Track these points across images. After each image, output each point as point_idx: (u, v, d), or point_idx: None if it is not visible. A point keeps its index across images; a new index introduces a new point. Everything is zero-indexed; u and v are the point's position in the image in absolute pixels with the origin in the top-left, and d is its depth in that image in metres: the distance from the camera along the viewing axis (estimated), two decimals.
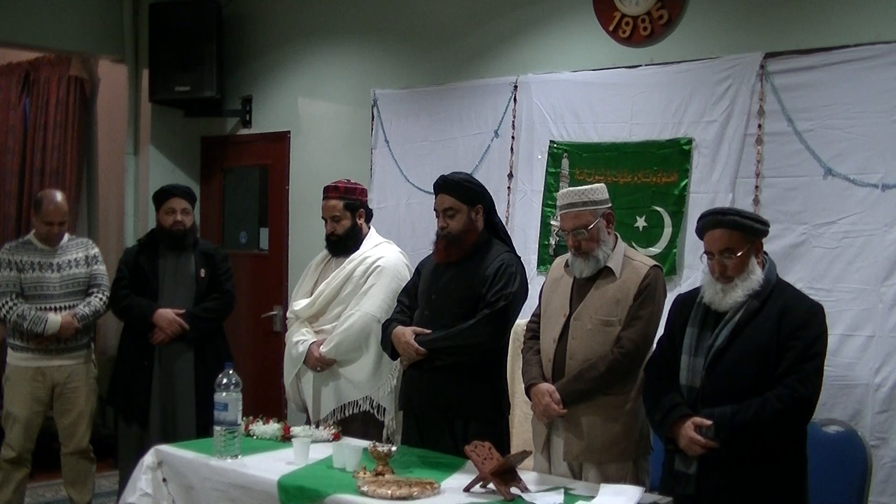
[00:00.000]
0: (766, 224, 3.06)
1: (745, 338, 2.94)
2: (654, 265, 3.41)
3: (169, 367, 4.71)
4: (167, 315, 4.66)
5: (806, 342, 2.89)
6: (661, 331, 3.30)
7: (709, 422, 2.91)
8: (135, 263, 4.80)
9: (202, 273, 4.79)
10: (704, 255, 3.07)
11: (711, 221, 3.04)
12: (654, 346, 3.31)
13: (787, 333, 2.90)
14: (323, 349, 4.06)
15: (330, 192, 4.22)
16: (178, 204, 4.76)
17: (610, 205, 3.43)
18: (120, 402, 4.85)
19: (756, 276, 2.98)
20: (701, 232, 3.10)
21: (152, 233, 4.90)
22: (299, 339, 4.15)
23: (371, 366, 4.06)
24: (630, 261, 3.40)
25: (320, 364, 4.07)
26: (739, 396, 2.90)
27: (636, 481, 3.29)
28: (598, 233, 3.36)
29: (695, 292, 3.16)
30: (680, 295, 3.30)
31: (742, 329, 2.96)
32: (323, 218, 4.25)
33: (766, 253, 3.09)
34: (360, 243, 4.20)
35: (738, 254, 2.97)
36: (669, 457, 3.09)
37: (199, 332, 4.72)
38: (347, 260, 4.17)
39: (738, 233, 2.98)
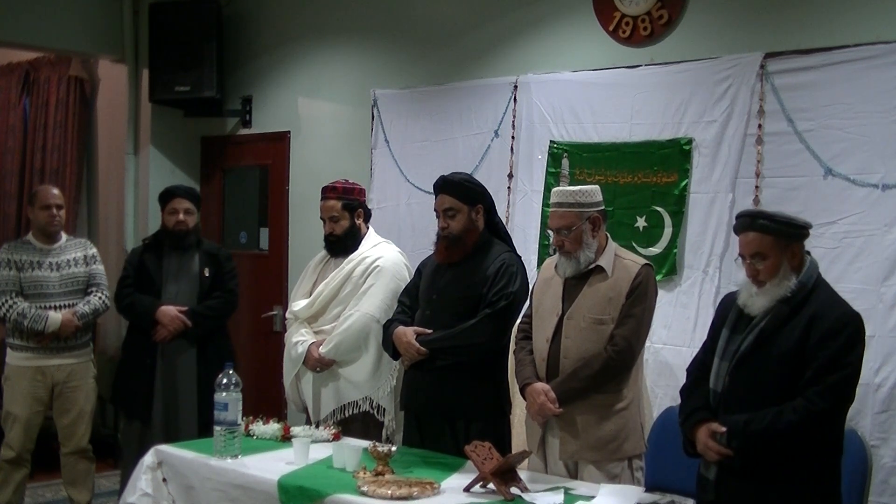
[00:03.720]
0: (802, 227, 2.86)
1: (771, 344, 2.81)
2: (646, 263, 3.41)
3: (171, 365, 4.71)
4: (169, 312, 4.66)
5: (832, 352, 2.72)
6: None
7: (723, 428, 2.82)
8: (139, 262, 4.81)
9: (206, 272, 4.80)
10: (739, 256, 2.96)
11: (743, 224, 2.91)
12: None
13: (814, 342, 2.74)
14: (322, 350, 4.06)
15: (328, 192, 4.22)
16: (181, 204, 4.78)
17: (601, 208, 3.40)
18: (122, 399, 4.88)
19: (789, 281, 2.82)
20: (736, 232, 2.97)
21: (157, 233, 4.92)
22: (299, 339, 4.15)
23: (371, 366, 4.05)
24: (621, 259, 3.40)
25: (320, 365, 4.07)
26: (760, 404, 2.78)
27: (631, 479, 3.29)
28: (580, 235, 3.35)
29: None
30: (727, 294, 3.14)
31: (770, 335, 2.82)
32: (321, 218, 4.25)
33: (808, 252, 2.91)
34: (359, 243, 4.20)
35: (769, 258, 2.83)
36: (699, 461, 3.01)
37: (201, 329, 4.73)
38: (346, 260, 4.16)
39: (769, 237, 2.83)
